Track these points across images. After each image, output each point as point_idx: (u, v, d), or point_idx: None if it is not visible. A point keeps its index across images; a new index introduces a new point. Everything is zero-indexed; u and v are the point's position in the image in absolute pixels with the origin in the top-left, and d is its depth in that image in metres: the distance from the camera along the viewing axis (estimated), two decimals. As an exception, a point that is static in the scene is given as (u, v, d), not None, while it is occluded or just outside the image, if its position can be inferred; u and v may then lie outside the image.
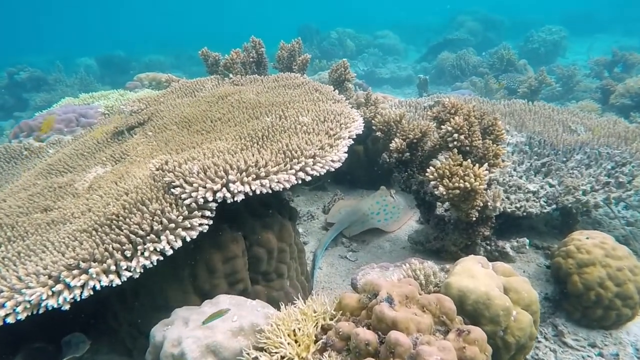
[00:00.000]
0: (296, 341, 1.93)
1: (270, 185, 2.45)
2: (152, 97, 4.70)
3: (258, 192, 2.43)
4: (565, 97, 9.11)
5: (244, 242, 2.71)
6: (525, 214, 3.32)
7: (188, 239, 2.29)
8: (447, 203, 3.61)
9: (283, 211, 3.03)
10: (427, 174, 2.89)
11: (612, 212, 4.36)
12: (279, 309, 2.75)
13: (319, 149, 2.74)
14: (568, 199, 3.42)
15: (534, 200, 3.47)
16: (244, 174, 2.43)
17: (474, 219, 2.96)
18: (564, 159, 3.96)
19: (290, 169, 2.57)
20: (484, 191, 2.71)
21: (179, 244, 2.25)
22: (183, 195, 2.37)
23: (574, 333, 2.98)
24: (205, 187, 2.37)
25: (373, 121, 3.80)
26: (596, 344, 2.89)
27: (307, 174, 2.61)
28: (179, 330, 2.15)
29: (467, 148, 2.98)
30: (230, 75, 4.79)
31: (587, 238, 3.10)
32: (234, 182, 2.39)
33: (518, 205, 3.32)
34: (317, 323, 2.02)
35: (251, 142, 2.92)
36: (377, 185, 4.75)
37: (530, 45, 13.68)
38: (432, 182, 2.84)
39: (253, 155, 2.65)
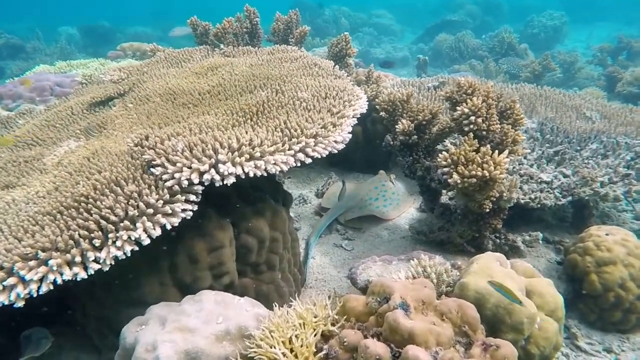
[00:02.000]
0: (292, 350, 1.65)
1: (265, 167, 2.14)
2: (134, 67, 4.30)
3: (252, 174, 2.12)
4: (567, 85, 8.85)
5: (232, 230, 2.40)
6: (539, 205, 3.06)
7: (169, 227, 1.98)
8: (452, 191, 3.34)
9: (277, 196, 2.73)
10: (439, 159, 2.60)
11: (624, 205, 4.16)
12: (268, 304, 2.47)
13: (321, 128, 2.43)
14: (585, 191, 3.17)
15: (547, 191, 3.22)
16: (236, 153, 2.10)
17: (488, 210, 2.69)
18: (578, 148, 3.71)
19: (289, 149, 2.25)
20: (503, 181, 2.44)
21: (157, 232, 1.94)
22: (164, 176, 2.04)
23: (587, 336, 2.77)
24: (190, 168, 2.05)
25: (376, 100, 3.48)
26: (612, 348, 2.68)
27: (307, 155, 2.30)
28: (154, 332, 1.85)
29: (484, 132, 2.69)
30: (222, 46, 4.40)
31: (607, 234, 2.86)
32: (224, 163, 2.07)
33: (532, 196, 3.06)
34: (316, 329, 1.74)
35: (244, 118, 2.58)
36: (375, 169, 4.46)
37: (530, 30, 13.35)
38: (445, 169, 2.55)
39: (247, 132, 2.33)
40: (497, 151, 2.43)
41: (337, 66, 3.67)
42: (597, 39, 13.94)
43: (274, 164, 2.16)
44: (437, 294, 2.16)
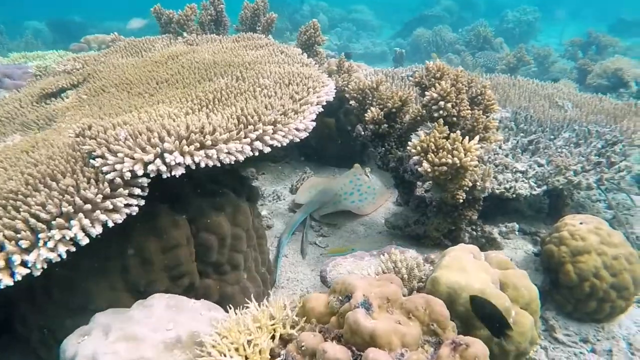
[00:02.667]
0: (246, 358, 1.49)
1: (218, 157, 1.96)
2: (90, 57, 4.06)
3: (203, 164, 1.94)
4: (541, 78, 8.87)
5: (188, 228, 2.22)
6: (514, 195, 2.96)
7: (111, 224, 1.78)
8: (428, 182, 3.22)
9: (239, 190, 2.55)
10: (408, 147, 2.47)
11: (598, 195, 4.13)
12: (234, 306, 2.31)
13: (280, 115, 2.26)
14: (559, 180, 3.09)
15: (522, 181, 3.12)
16: (184, 141, 1.92)
17: (461, 200, 2.57)
18: (552, 137, 3.63)
19: (245, 137, 2.08)
20: (474, 169, 2.32)
21: (97, 230, 1.74)
22: (104, 168, 1.85)
23: (564, 327, 2.68)
24: (133, 158, 1.86)
25: (346, 89, 3.32)
26: (588, 339, 2.60)
27: (265, 144, 2.13)
28: (95, 342, 1.66)
29: (454, 119, 2.57)
30: (184, 34, 4.19)
31: (581, 223, 2.77)
32: (170, 152, 1.88)
33: (507, 186, 2.96)
34: (274, 332, 1.57)
35: (199, 106, 2.40)
36: (350, 162, 4.31)
37: (505, 25, 13.43)
38: (415, 158, 2.42)
39: (199, 120, 2.14)
40: (467, 137, 2.31)
41: (305, 54, 3.51)
42: (569, 35, 14.10)
43: (228, 153, 1.99)
44: (409, 290, 2.02)
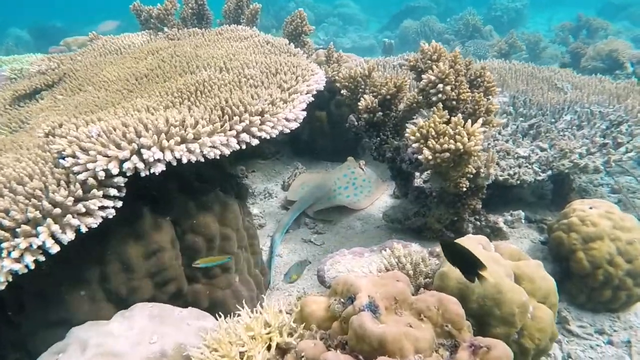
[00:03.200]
0: (239, 372, 1.32)
1: (201, 151, 1.79)
2: (66, 56, 3.86)
3: (185, 160, 1.77)
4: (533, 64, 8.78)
5: (173, 229, 2.05)
6: (519, 182, 2.82)
7: (84, 229, 1.61)
8: (426, 173, 3.07)
9: (227, 188, 2.38)
10: (406, 134, 2.31)
11: (601, 179, 4.00)
12: (225, 312, 2.14)
13: (268, 104, 2.09)
14: (564, 164, 2.95)
15: (526, 167, 2.98)
16: (163, 136, 1.75)
17: (464, 189, 2.42)
18: (553, 120, 3.49)
19: (230, 129, 1.91)
20: (479, 154, 2.17)
21: (69, 236, 1.57)
22: (76, 168, 1.67)
23: (578, 319, 2.54)
24: (107, 156, 1.68)
25: (337, 78, 3.16)
26: (604, 330, 2.46)
27: (253, 136, 1.97)
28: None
29: (454, 103, 2.41)
30: (165, 29, 4.00)
31: (591, 208, 2.64)
32: (148, 148, 1.71)
33: (511, 172, 2.81)
34: (270, 342, 1.41)
35: (181, 99, 2.23)
36: (344, 156, 4.15)
37: (493, 13, 13.31)
38: (414, 145, 2.26)
39: (180, 113, 1.97)
40: (469, 121, 2.15)
41: (292, 44, 3.34)
42: (557, 22, 14.03)
43: (212, 146, 1.82)
44: (415, 287, 1.86)
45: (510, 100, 3.73)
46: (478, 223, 2.84)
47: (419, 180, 3.17)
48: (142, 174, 1.70)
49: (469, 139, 2.07)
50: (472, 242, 1.93)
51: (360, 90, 3.03)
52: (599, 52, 6.22)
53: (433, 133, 2.21)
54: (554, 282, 1.83)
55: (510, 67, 4.31)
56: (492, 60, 4.61)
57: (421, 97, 2.73)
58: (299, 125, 2.20)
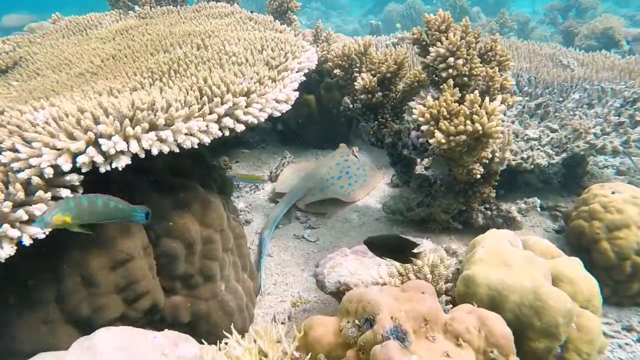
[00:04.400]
0: (230, 420, 1.02)
1: (175, 140, 1.47)
2: (24, 38, 3.45)
3: (155, 151, 1.45)
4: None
5: (145, 234, 1.73)
6: (533, 166, 2.56)
7: (28, 241, 1.28)
8: (427, 159, 2.79)
9: (209, 182, 2.06)
10: (414, 115, 2.02)
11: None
12: (211, 327, 1.85)
13: (255, 83, 1.77)
14: (579, 145, 2.70)
15: (538, 149, 2.72)
16: (127, 122, 1.42)
17: (479, 176, 2.15)
18: (560, 99, 3.25)
19: (210, 113, 1.59)
20: (500, 135, 1.89)
21: (6, 252, 1.24)
22: (16, 165, 1.33)
23: (603, 314, 2.31)
24: (56, 148, 1.35)
25: (328, 56, 2.84)
26: (632, 326, 2.23)
27: (237, 120, 1.65)
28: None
29: (465, 79, 2.13)
30: (136, 8, 3.61)
31: (614, 192, 2.40)
32: (109, 137, 1.38)
33: (524, 155, 2.55)
34: (267, 377, 1.11)
35: (151, 80, 1.89)
36: (335, 143, 3.86)
37: (479, -6, 13.05)
38: (424, 127, 1.97)
39: (149, 94, 1.64)
40: (487, 98, 1.87)
41: (277, 21, 3.01)
42: (541, 3, 13.87)
43: (189, 134, 1.49)
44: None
45: (515, 78, 3.47)
46: (489, 213, 2.58)
47: (420, 167, 2.89)
48: (102, 170, 1.37)
49: (488, 119, 1.79)
50: (498, 238, 1.66)
51: (355, 69, 2.72)
52: (593, 30, 6.01)
53: (445, 113, 1.92)
54: (597, 282, 1.58)
55: (510, 45, 4.05)
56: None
57: (425, 75, 2.43)
58: (290, 107, 1.88)
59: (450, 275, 1.64)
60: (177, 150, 1.50)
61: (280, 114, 1.82)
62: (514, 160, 2.53)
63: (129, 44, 2.63)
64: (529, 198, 2.58)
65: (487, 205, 2.57)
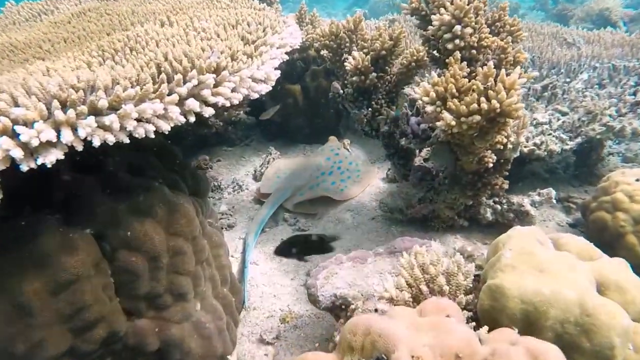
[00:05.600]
0: None
1: (124, 127, 1.15)
2: (-31, 27, 3.07)
3: (97, 142, 1.12)
4: (512, 33, 8.35)
5: (96, 247, 1.40)
6: (547, 152, 2.29)
7: None
8: (425, 150, 2.50)
9: (177, 181, 1.74)
10: (416, 93, 1.72)
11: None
12: (185, 356, 1.54)
13: (226, 58, 1.46)
14: (594, 129, 2.44)
15: (549, 134, 2.46)
16: (56, 105, 1.09)
17: (491, 164, 1.87)
18: (568, 80, 2.99)
19: (170, 93, 1.27)
20: (520, 114, 1.61)
21: None
22: None
23: (631, 318, 2.05)
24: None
25: (314, 36, 2.54)
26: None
27: (205, 102, 1.34)
28: None
29: (473, 52, 1.84)
30: (98, -9, 3.25)
31: (638, 180, 2.15)
32: (28, 124, 1.05)
33: (537, 141, 2.28)
34: None
35: (101, 59, 1.56)
36: (324, 136, 3.56)
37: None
38: (429, 109, 1.67)
39: (94, 72, 1.31)
40: (502, 70, 1.58)
41: (256, 0, 2.69)
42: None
43: (141, 119, 1.18)
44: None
45: (515, 60, 3.20)
46: (498, 207, 2.31)
47: (418, 159, 2.60)
48: (23, 168, 1.04)
49: (507, 95, 1.50)
50: (526, 238, 1.37)
51: (345, 49, 2.41)
52: (588, 12, 5.79)
53: (454, 91, 1.62)
54: None
55: (508, 25, 3.78)
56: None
57: (424, 53, 2.15)
58: (270, 88, 1.57)
59: (470, 284, 1.35)
60: (126, 140, 1.18)
61: (258, 96, 1.51)
62: (525, 146, 2.26)
63: (85, 26, 2.30)
64: (537, 189, 2.31)
65: (497, 199, 2.29)
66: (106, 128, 1.14)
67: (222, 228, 2.78)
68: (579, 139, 2.42)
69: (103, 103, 1.13)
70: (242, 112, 4.02)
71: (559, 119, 2.58)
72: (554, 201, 2.24)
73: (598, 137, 2.44)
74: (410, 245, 1.73)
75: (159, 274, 1.53)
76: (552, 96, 2.81)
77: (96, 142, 1.12)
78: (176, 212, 1.58)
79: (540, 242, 1.39)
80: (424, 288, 1.33)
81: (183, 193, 1.73)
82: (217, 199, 3.14)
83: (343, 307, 1.62)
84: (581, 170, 2.78)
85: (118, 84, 1.22)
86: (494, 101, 1.50)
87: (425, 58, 2.23)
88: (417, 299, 1.35)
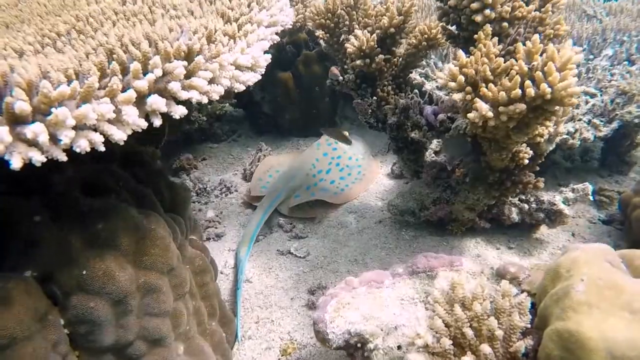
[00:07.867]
0: None
1: (57, 139, 0.81)
2: None
3: (17, 164, 0.78)
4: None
5: (40, 294, 1.07)
6: (581, 141, 1.99)
7: None
8: (435, 141, 2.18)
9: (148, 195, 1.41)
10: (438, 79, 1.40)
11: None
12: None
13: (201, 40, 1.11)
14: (631, 112, 2.15)
15: (580, 120, 2.16)
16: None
17: (527, 161, 1.56)
18: (591, 56, 2.68)
19: (123, 89, 0.93)
20: (573, 100, 1.30)
21: None
22: None
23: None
24: None
25: (307, 14, 2.20)
26: None
27: (175, 98, 1.00)
28: None
29: (505, 24, 1.52)
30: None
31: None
32: None
33: (570, 129, 1.98)
34: None
35: (39, 45, 1.21)
36: (318, 128, 3.21)
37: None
38: (457, 96, 1.35)
39: (28, 62, 0.97)
40: (550, 45, 1.26)
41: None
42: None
43: (86, 123, 0.84)
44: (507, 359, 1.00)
45: (529, 37, 2.89)
46: (526, 206, 2.01)
47: (429, 153, 2.29)
48: None
49: (561, 77, 1.19)
50: (595, 261, 1.07)
51: (344, 29, 2.07)
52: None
53: (488, 73, 1.30)
54: None
55: None
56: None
57: (436, 30, 1.82)
58: (259, 77, 1.24)
59: (528, 325, 1.05)
60: (63, 158, 0.84)
61: (245, 88, 1.17)
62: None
63: (34, 9, 1.92)
64: (570, 183, 2.01)
65: (523, 197, 1.99)
66: (29, 143, 0.80)
67: (210, 239, 2.45)
68: (614, 124, 2.12)
69: (22, 107, 0.79)
70: (227, 104, 3.67)
71: (587, 102, 2.28)
72: (591, 197, 1.95)
73: (636, 120, 2.14)
74: (437, 264, 1.42)
75: (128, 319, 1.21)
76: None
77: (15, 165, 0.79)
78: (146, 239, 1.25)
79: (611, 264, 1.09)
80: (468, 332, 1.03)
81: (155, 209, 1.40)
82: (203, 204, 2.81)
83: (359, 345, 1.32)
84: (614, 158, 2.49)
85: (49, 77, 0.87)
86: (543, 85, 1.19)
87: (439, 36, 1.90)
88: (460, 345, 1.04)
